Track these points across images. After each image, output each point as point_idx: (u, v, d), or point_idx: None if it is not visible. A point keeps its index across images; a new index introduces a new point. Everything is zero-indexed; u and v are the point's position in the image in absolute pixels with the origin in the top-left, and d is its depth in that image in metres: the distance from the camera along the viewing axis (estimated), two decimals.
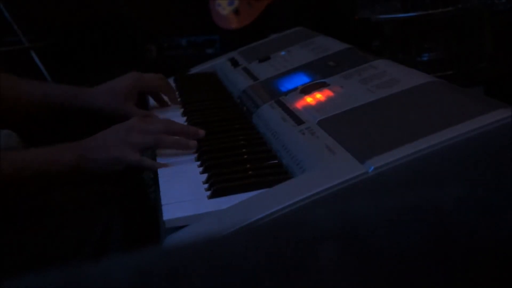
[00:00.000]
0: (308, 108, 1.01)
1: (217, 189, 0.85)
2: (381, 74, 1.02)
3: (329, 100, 1.01)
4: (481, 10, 1.85)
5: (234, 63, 1.50)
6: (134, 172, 1.22)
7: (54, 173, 0.97)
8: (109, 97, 1.22)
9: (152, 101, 1.36)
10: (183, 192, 0.88)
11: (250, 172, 0.91)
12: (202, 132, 1.06)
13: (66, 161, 0.98)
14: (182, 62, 2.33)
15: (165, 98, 1.34)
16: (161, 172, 0.97)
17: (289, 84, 1.17)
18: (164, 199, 0.86)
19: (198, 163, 0.98)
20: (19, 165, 0.97)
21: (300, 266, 0.30)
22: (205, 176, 0.91)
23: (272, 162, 0.94)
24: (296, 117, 0.98)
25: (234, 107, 1.25)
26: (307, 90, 1.07)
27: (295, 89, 1.11)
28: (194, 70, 1.65)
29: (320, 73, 1.16)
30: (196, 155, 1.01)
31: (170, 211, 0.81)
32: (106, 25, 2.91)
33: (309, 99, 1.04)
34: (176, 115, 1.26)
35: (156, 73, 1.35)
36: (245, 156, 0.97)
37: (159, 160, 1.02)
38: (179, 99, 1.34)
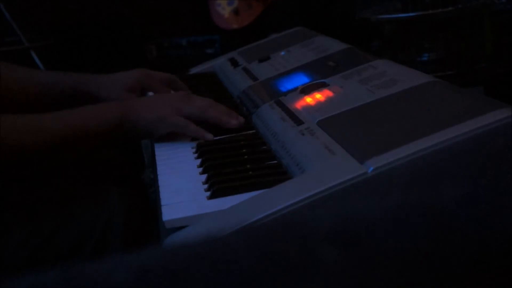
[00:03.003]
0: (308, 108, 1.01)
1: (217, 189, 0.85)
2: (380, 74, 1.02)
3: (328, 100, 1.01)
4: (481, 10, 1.85)
5: (234, 63, 1.50)
6: (134, 158, 1.22)
7: (97, 131, 0.98)
8: (112, 86, 1.22)
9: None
10: (183, 192, 0.88)
11: (250, 173, 0.91)
12: (242, 119, 1.08)
13: (109, 118, 0.98)
14: (182, 62, 2.33)
15: None
16: (160, 172, 0.97)
17: (288, 84, 1.17)
18: (163, 200, 0.86)
19: (198, 163, 0.98)
20: (61, 123, 0.96)
21: (300, 266, 0.30)
22: (205, 176, 0.91)
23: (271, 162, 0.94)
24: (295, 117, 0.98)
25: (234, 107, 1.25)
26: (307, 90, 1.07)
27: (294, 89, 1.11)
28: (194, 70, 1.65)
29: (319, 73, 1.16)
30: (196, 155, 1.01)
31: (170, 211, 0.81)
32: (106, 25, 2.92)
33: (308, 99, 1.04)
34: None
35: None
36: (245, 157, 0.97)
37: (158, 158, 1.02)
38: None
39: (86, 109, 1.00)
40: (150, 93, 1.33)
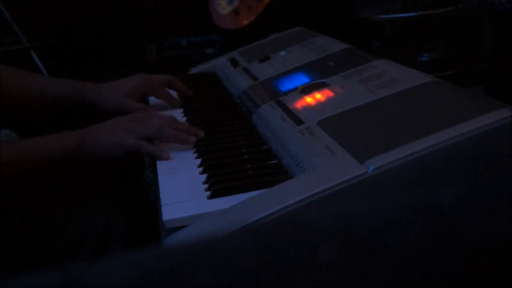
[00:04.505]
0: (308, 108, 1.01)
1: (217, 189, 0.85)
2: (381, 74, 1.02)
3: (329, 100, 1.01)
4: (481, 10, 1.85)
5: (234, 63, 1.50)
6: (133, 168, 1.23)
7: (55, 159, 0.97)
8: (112, 94, 1.23)
9: (151, 100, 1.36)
10: (183, 192, 0.88)
11: (250, 172, 0.91)
12: (201, 133, 1.06)
13: (67, 146, 0.98)
14: (182, 62, 2.33)
15: (174, 95, 1.34)
16: (161, 172, 0.97)
17: (289, 84, 1.17)
18: (164, 199, 0.86)
19: (198, 163, 0.98)
20: (20, 153, 0.96)
21: (300, 266, 0.30)
22: (205, 176, 0.92)
23: (272, 162, 0.94)
24: (295, 117, 0.98)
25: (234, 107, 1.25)
26: (307, 90, 1.07)
27: (295, 89, 1.11)
28: (194, 70, 1.65)
29: (320, 73, 1.16)
30: (196, 155, 1.01)
31: (170, 211, 0.81)
32: (106, 25, 2.91)
33: (309, 99, 1.04)
34: (176, 115, 1.26)
35: (157, 72, 1.35)
36: (245, 156, 0.97)
37: (158, 159, 1.02)
38: (179, 100, 1.34)
39: (44, 139, 1.00)
40: (152, 98, 1.34)
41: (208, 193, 0.86)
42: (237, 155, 0.98)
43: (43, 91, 1.21)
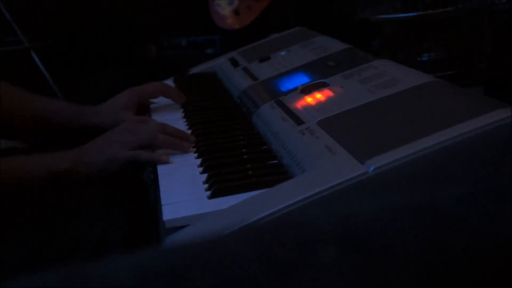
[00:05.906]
0: (308, 108, 1.01)
1: (217, 189, 0.85)
2: (381, 74, 1.02)
3: (329, 100, 1.01)
4: (481, 10, 1.85)
5: (234, 63, 1.50)
6: (133, 169, 1.23)
7: (51, 179, 0.99)
8: (109, 111, 1.24)
9: (152, 105, 1.37)
10: (183, 192, 0.88)
11: (250, 172, 0.91)
12: (192, 138, 1.07)
13: (62, 167, 0.99)
14: (182, 62, 2.32)
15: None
16: (161, 172, 0.97)
17: (289, 84, 1.17)
18: (164, 199, 0.86)
19: (198, 163, 0.98)
20: (17, 171, 0.97)
21: (300, 266, 0.30)
22: (205, 176, 0.92)
23: (272, 162, 0.94)
24: (296, 117, 0.98)
25: (234, 107, 1.25)
26: (307, 90, 1.07)
27: (295, 89, 1.11)
28: (194, 70, 1.65)
29: (320, 73, 1.16)
30: (196, 155, 1.01)
31: (170, 211, 0.81)
32: (106, 25, 2.91)
33: (309, 99, 1.04)
34: (176, 116, 1.27)
35: (156, 72, 1.36)
36: (245, 156, 0.97)
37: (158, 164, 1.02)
38: (181, 94, 1.34)
39: (40, 159, 1.01)
40: (152, 105, 1.34)
41: (208, 193, 0.86)
42: (237, 155, 0.98)
43: (41, 111, 1.22)
